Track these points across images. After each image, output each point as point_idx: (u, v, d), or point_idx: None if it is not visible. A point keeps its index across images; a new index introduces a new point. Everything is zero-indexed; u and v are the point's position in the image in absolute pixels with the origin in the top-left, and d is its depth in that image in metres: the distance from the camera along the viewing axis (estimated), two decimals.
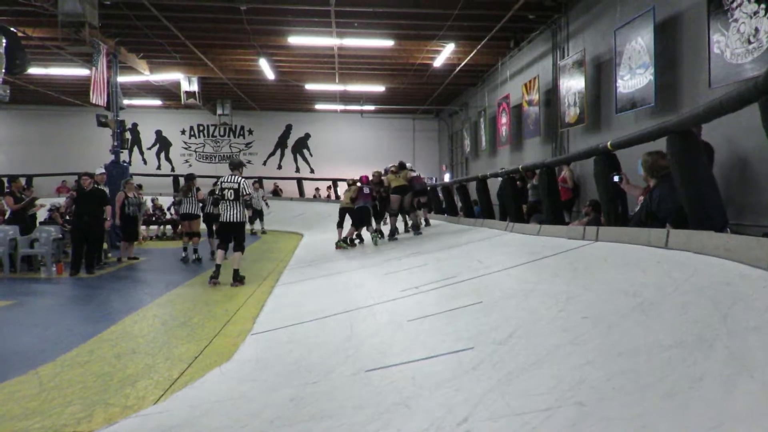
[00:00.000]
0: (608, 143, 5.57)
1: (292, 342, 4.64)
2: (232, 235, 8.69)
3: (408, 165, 12.10)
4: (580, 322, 3.00)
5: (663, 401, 1.94)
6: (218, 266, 8.65)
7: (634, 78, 8.80)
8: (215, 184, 9.66)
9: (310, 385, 3.37)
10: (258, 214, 17.65)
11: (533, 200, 10.08)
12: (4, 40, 10.37)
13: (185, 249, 11.69)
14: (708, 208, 4.19)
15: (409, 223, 12.00)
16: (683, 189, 4.32)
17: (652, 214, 4.79)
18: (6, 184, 11.62)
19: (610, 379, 2.20)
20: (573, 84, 11.12)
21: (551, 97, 12.80)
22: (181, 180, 22.93)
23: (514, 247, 6.33)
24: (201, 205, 11.73)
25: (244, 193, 8.53)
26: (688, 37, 7.95)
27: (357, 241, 11.91)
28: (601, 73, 10.52)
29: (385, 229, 12.12)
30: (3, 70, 10.42)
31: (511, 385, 2.46)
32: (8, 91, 10.80)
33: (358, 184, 11.70)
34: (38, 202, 11.59)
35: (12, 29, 11.37)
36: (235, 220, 8.55)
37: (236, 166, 8.81)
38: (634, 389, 2.08)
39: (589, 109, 10.65)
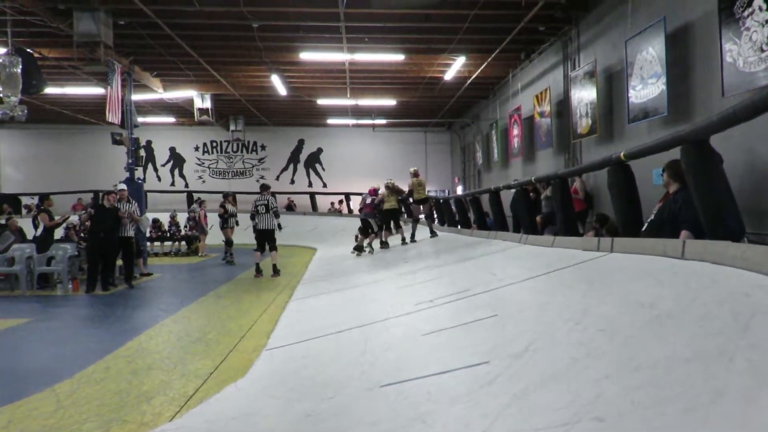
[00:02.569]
0: (621, 153, 5.54)
1: (306, 357, 4.63)
2: (266, 240, 11.51)
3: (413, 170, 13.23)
4: (597, 335, 2.97)
5: (683, 416, 1.91)
6: (257, 264, 11.57)
7: (646, 88, 8.77)
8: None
9: (326, 400, 3.36)
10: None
11: (547, 212, 10.04)
12: (20, 62, 10.55)
13: (226, 253, 14.43)
14: (725, 217, 4.14)
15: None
16: (699, 198, 4.28)
17: (673, 219, 4.74)
18: (37, 202, 11.82)
19: (629, 394, 2.17)
20: (584, 95, 11.10)
21: (563, 108, 12.78)
22: (195, 196, 23.24)
23: (529, 260, 6.29)
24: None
25: (272, 206, 11.46)
26: (700, 46, 7.92)
27: (367, 250, 12.92)
28: (613, 84, 10.50)
29: (393, 240, 12.96)
30: (20, 91, 10.60)
31: (528, 400, 2.44)
32: (25, 111, 10.98)
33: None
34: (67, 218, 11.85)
35: (28, 50, 11.58)
36: (267, 227, 11.51)
37: (265, 188, 11.90)
38: (654, 403, 2.05)
39: (601, 119, 10.62)
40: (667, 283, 3.37)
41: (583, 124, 11.25)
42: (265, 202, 11.48)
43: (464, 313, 4.61)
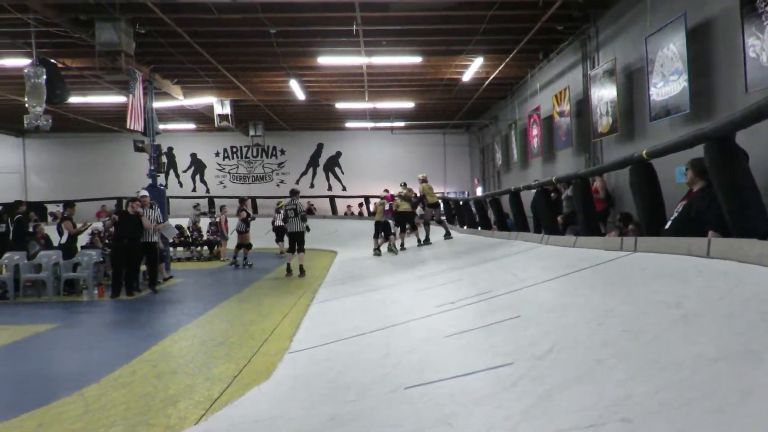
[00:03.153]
0: (644, 152, 5.48)
1: (329, 360, 4.65)
2: (296, 241, 12.31)
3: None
4: (621, 335, 2.94)
5: (711, 416, 1.89)
6: (288, 264, 12.42)
7: (668, 85, 8.67)
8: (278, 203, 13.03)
9: (349, 403, 3.37)
10: (280, 233, 17.81)
11: (568, 212, 9.96)
12: (45, 72, 10.74)
13: (235, 257, 14.68)
14: (750, 215, 4.08)
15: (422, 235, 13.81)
16: (723, 196, 4.22)
17: (698, 217, 4.67)
18: (59, 210, 12.03)
19: (656, 394, 2.15)
20: (604, 93, 11.00)
21: (582, 107, 12.68)
22: (216, 201, 23.47)
23: (550, 260, 6.25)
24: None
25: (301, 210, 12.34)
26: (722, 42, 7.81)
27: (384, 250, 13.70)
28: (633, 82, 10.39)
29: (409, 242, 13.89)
30: (44, 101, 10.79)
31: (553, 402, 2.42)
32: (50, 120, 11.16)
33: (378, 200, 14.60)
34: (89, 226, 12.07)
35: (52, 61, 11.78)
36: (297, 230, 12.34)
37: (295, 193, 12.80)
38: (681, 404, 2.03)
39: (621, 118, 10.52)
40: (693, 283, 3.33)
41: (603, 123, 11.15)
42: (294, 206, 12.35)
43: (486, 314, 4.59)
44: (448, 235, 13.55)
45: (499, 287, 5.51)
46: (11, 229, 10.63)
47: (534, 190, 9.80)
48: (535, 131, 15.82)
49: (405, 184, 14.23)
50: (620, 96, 10.50)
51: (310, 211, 24.39)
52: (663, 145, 5.37)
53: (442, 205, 16.18)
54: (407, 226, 13.81)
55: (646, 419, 2.02)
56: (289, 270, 12.32)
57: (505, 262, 7.34)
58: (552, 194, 10.39)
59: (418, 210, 14.13)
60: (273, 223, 18.22)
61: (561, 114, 13.68)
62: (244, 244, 14.94)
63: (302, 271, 12.21)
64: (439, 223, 14.18)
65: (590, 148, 12.31)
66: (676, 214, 5.14)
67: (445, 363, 3.66)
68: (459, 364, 3.49)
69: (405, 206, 13.55)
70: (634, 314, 3.21)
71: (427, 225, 13.92)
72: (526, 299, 4.71)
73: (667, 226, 5.20)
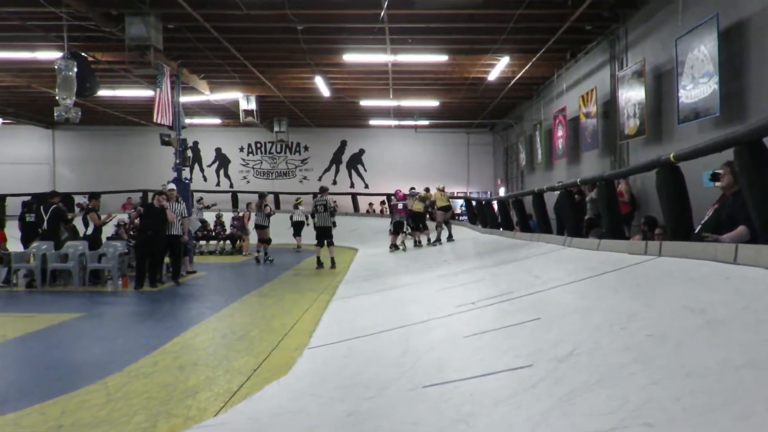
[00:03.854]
0: (671, 155, 5.40)
1: (348, 357, 4.66)
2: (324, 236, 12.90)
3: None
4: (645, 340, 2.90)
5: (736, 423, 1.86)
6: (318, 257, 12.94)
7: (698, 87, 8.52)
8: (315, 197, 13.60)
9: (368, 400, 3.38)
10: (298, 228, 18.12)
11: (592, 214, 9.85)
12: (75, 65, 10.91)
13: (258, 251, 14.84)
14: None
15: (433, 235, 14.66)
16: (753, 201, 4.14)
17: (730, 221, 4.59)
18: (86, 201, 12.20)
19: (679, 400, 2.11)
20: (632, 95, 10.85)
21: (609, 108, 12.53)
22: (239, 196, 23.67)
23: (573, 262, 6.19)
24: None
25: (329, 206, 12.94)
26: (755, 44, 7.66)
27: (401, 248, 14.41)
28: (662, 84, 10.24)
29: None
30: (74, 93, 10.96)
31: (574, 404, 2.40)
32: (79, 113, 11.34)
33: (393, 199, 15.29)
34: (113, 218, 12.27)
35: (83, 54, 11.96)
36: (325, 224, 12.95)
37: (324, 190, 13.53)
38: (705, 410, 1.99)
39: (649, 120, 10.37)
40: (719, 288, 3.27)
41: (630, 124, 11.01)
42: (324, 202, 12.96)
43: (507, 315, 4.57)
44: (450, 238, 14.36)
45: (521, 288, 5.47)
46: (45, 218, 10.79)
47: (557, 192, 9.71)
48: (560, 132, 15.68)
49: (428, 189, 15.36)
50: (648, 98, 10.36)
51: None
52: (692, 148, 5.28)
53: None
54: (420, 225, 14.77)
55: (670, 425, 1.99)
56: (319, 263, 12.83)
57: (527, 264, 7.28)
58: (576, 196, 10.30)
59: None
60: (291, 218, 18.59)
61: (587, 115, 13.54)
62: (264, 240, 15.03)
63: (333, 263, 12.81)
64: (445, 224, 14.69)
65: (616, 150, 12.17)
66: (706, 218, 5.06)
67: (464, 363, 3.64)
68: (478, 365, 3.48)
69: (418, 207, 14.56)
70: (658, 319, 3.17)
71: (439, 226, 14.64)
72: (548, 301, 4.67)
73: (696, 230, 5.11)
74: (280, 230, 17.97)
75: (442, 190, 15.12)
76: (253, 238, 17.17)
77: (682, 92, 8.93)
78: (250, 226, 17.00)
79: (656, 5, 10.39)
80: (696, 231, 5.10)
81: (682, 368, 2.39)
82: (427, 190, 15.33)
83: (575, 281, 5.05)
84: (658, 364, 2.54)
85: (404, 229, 14.77)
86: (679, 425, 1.97)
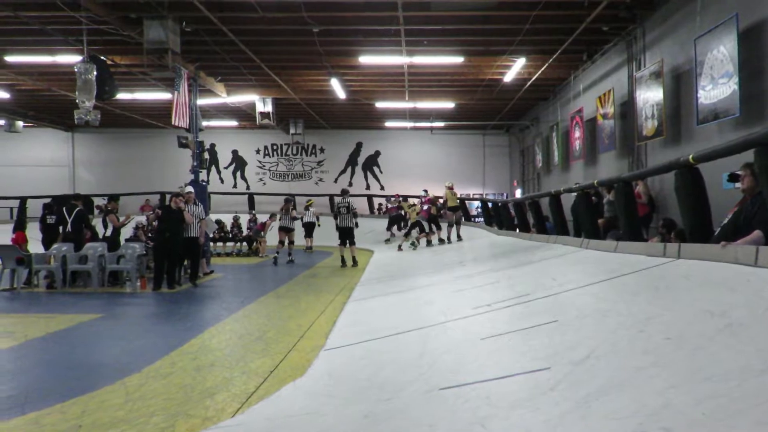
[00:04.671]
0: (690, 156, 5.34)
1: (364, 358, 4.67)
2: (346, 236, 13.62)
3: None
4: (663, 343, 2.88)
5: (757, 429, 1.83)
6: (342, 256, 13.76)
7: (717, 88, 8.43)
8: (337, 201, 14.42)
9: (384, 402, 3.38)
10: (309, 229, 18.35)
11: (609, 216, 9.78)
12: (95, 69, 11.06)
13: (278, 252, 14.99)
14: None
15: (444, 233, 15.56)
16: None
17: (748, 223, 4.53)
18: (105, 203, 12.33)
19: (698, 405, 2.09)
20: (650, 96, 10.76)
21: (627, 109, 12.44)
22: (256, 198, 23.81)
23: (590, 265, 6.15)
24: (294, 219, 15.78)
25: (352, 208, 13.69)
26: None
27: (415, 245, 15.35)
28: (681, 84, 10.14)
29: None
30: (94, 96, 11.10)
31: (592, 408, 2.38)
32: (98, 116, 11.48)
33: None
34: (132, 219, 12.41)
35: (102, 58, 12.12)
36: (347, 225, 13.63)
37: (346, 192, 14.38)
38: (725, 416, 1.97)
39: (668, 121, 10.28)
40: (739, 291, 3.23)
41: (648, 126, 10.91)
42: (347, 204, 13.70)
43: (523, 318, 4.55)
44: (459, 238, 15.37)
45: (537, 291, 5.45)
46: (68, 220, 10.91)
47: (574, 193, 9.65)
48: (577, 133, 15.58)
49: (426, 191, 16.71)
50: (667, 99, 10.27)
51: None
52: (711, 150, 5.23)
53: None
54: (431, 225, 15.55)
55: (689, 429, 1.97)
56: (343, 261, 13.66)
57: (544, 266, 7.25)
58: (593, 198, 10.22)
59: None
60: (302, 219, 18.58)
61: (604, 116, 13.45)
62: (289, 241, 15.43)
63: (355, 262, 13.53)
64: (456, 223, 15.61)
65: (634, 151, 12.07)
66: (726, 221, 5.00)
67: (481, 365, 3.64)
68: (495, 367, 3.47)
69: (433, 209, 15.55)
70: (677, 322, 3.14)
71: (450, 226, 15.51)
72: (565, 303, 4.64)
73: (716, 233, 5.05)
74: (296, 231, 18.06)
75: (451, 188, 15.78)
76: (272, 239, 17.38)
77: (701, 93, 8.85)
78: (270, 228, 17.47)
79: (674, 6, 10.29)
80: (716, 234, 5.05)
81: (702, 372, 2.37)
82: (426, 192, 16.40)
83: (592, 283, 5.01)
84: (676, 368, 2.52)
85: (425, 230, 15.47)
86: (697, 430, 1.95)
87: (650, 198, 10.70)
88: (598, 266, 5.77)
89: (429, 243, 15.29)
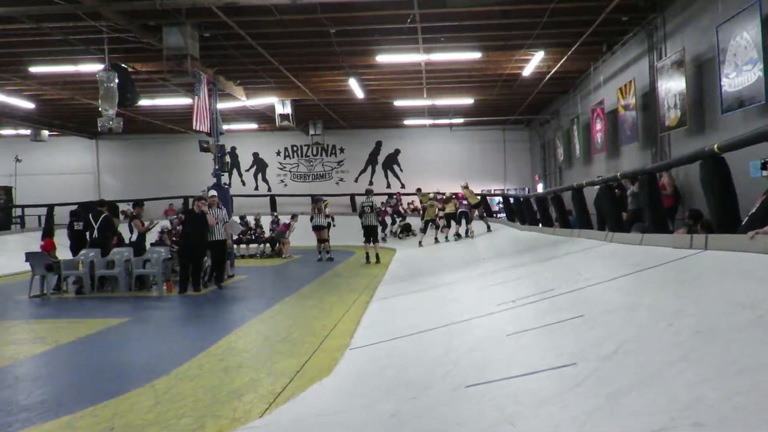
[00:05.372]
0: (715, 146, 5.26)
1: (389, 357, 4.68)
2: (371, 234, 14.29)
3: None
4: (693, 337, 2.83)
5: None
6: (367, 253, 14.35)
7: (741, 75, 8.27)
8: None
9: (410, 400, 3.38)
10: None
11: (633, 208, 9.66)
12: (116, 77, 11.21)
13: (320, 251, 15.98)
14: None
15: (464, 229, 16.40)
16: None
17: None
18: (131, 209, 12.52)
19: (730, 399, 2.06)
20: (672, 85, 10.60)
21: (649, 100, 12.26)
22: (278, 199, 23.96)
23: (615, 258, 6.09)
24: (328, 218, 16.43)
25: (376, 207, 14.66)
26: None
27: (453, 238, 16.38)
28: (703, 73, 9.97)
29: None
30: (116, 104, 11.26)
31: (621, 403, 2.36)
32: (121, 123, 11.63)
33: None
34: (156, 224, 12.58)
35: (123, 65, 12.28)
36: (371, 224, 14.35)
37: (370, 192, 15.49)
38: (759, 410, 1.94)
39: (691, 110, 10.11)
40: None
41: (671, 116, 10.75)
42: (370, 203, 14.49)
43: (548, 313, 4.52)
44: (471, 234, 16.17)
45: (562, 286, 5.40)
46: (95, 226, 11.08)
47: (597, 187, 9.55)
48: (598, 126, 15.41)
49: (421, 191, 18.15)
50: (689, 88, 10.10)
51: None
52: (737, 138, 5.14)
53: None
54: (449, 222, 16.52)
55: (721, 424, 1.94)
56: (368, 258, 14.19)
57: (568, 260, 7.19)
58: (616, 190, 10.10)
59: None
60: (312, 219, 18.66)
61: (626, 107, 13.28)
62: (322, 240, 16.01)
63: (378, 259, 14.10)
64: (481, 218, 16.72)
65: (657, 142, 11.90)
66: (754, 210, 4.91)
67: (507, 362, 3.62)
68: (521, 364, 3.45)
69: (450, 208, 16.43)
70: (706, 315, 3.09)
71: (469, 222, 16.37)
72: (590, 298, 4.60)
73: (743, 223, 4.97)
74: (301, 233, 18.32)
75: (466, 187, 16.61)
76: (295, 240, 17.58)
77: (724, 81, 8.69)
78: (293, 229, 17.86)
79: None
80: (743, 223, 4.96)
81: (733, 366, 2.33)
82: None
83: (618, 277, 4.96)
84: (707, 362, 2.48)
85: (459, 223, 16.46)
86: (730, 425, 1.92)
87: (675, 189, 10.54)
88: (624, 260, 5.70)
89: (446, 239, 16.26)
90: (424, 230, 17.63)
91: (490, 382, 3.23)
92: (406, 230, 20.64)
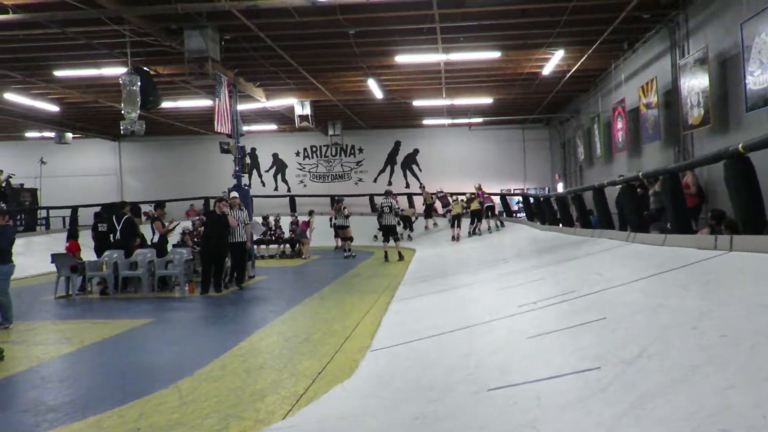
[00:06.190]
0: (740, 145, 5.18)
1: (410, 359, 4.68)
2: (390, 233, 14.85)
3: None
4: (718, 340, 2.80)
5: None
6: (386, 252, 14.82)
7: (766, 73, 8.14)
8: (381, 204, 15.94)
9: (432, 403, 3.39)
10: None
11: (655, 207, 9.55)
12: (139, 80, 11.35)
13: (344, 249, 16.80)
14: None
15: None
16: None
17: None
18: (152, 210, 12.66)
19: (759, 406, 2.03)
20: (695, 83, 10.46)
21: (671, 98, 12.11)
22: (297, 200, 24.08)
23: (637, 259, 6.02)
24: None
25: (395, 207, 15.29)
26: None
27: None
28: (727, 70, 9.83)
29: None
30: (139, 107, 11.40)
31: (646, 409, 2.34)
32: (143, 126, 11.77)
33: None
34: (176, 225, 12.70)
35: (145, 69, 12.43)
36: (390, 223, 14.90)
37: (389, 193, 15.94)
38: None
39: (714, 109, 9.97)
40: None
41: (694, 114, 10.61)
42: (390, 204, 15.03)
43: (570, 315, 4.49)
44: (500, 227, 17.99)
45: (583, 287, 5.37)
46: (117, 228, 11.22)
47: (618, 186, 9.46)
48: (619, 124, 15.26)
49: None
50: (713, 85, 9.97)
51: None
52: (762, 138, 5.06)
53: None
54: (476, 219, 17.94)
55: None
56: (386, 257, 14.64)
57: (589, 261, 7.13)
58: (638, 190, 9.99)
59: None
60: (331, 220, 19.21)
61: (648, 106, 13.14)
62: (346, 238, 16.79)
63: (401, 256, 14.63)
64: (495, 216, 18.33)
65: (680, 141, 11.76)
66: None
67: (529, 365, 3.61)
68: (543, 367, 3.44)
69: (475, 206, 17.57)
70: (732, 318, 3.06)
71: (479, 221, 17.88)
72: (613, 300, 4.56)
73: None
74: (319, 233, 18.68)
75: (479, 189, 18.03)
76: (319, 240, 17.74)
77: (749, 78, 8.56)
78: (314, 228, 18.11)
79: None
80: None
81: (761, 372, 2.30)
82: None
83: (641, 278, 4.91)
84: (734, 367, 2.45)
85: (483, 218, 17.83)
86: None
87: (699, 188, 10.40)
88: (646, 260, 5.64)
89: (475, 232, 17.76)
90: (452, 225, 18.12)
91: (513, 385, 3.22)
92: (407, 221, 20.98)
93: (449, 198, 20.06)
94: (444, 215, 20.42)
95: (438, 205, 21.40)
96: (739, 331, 2.82)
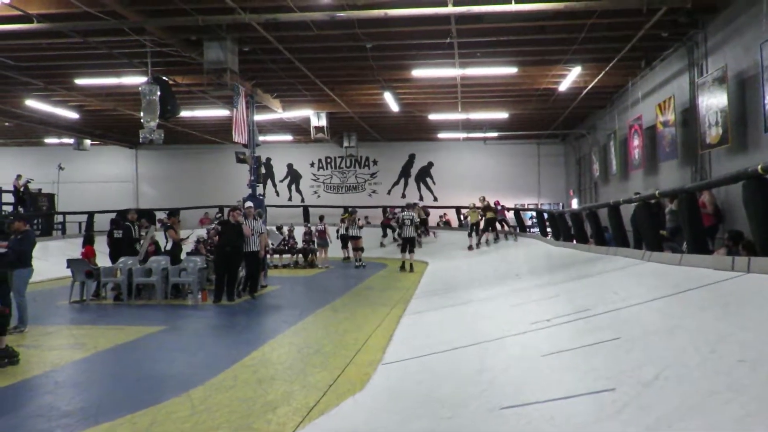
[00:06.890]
0: (759, 166, 5.13)
1: (422, 373, 4.66)
2: (409, 244, 15.36)
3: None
4: (737, 365, 2.77)
5: None
6: (403, 262, 15.22)
7: None
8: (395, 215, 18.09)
9: (445, 419, 3.37)
10: (344, 241, 18.82)
11: (671, 226, 9.47)
12: (158, 89, 11.49)
13: (356, 260, 17.20)
14: None
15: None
16: None
17: None
18: (166, 218, 12.79)
19: None
20: (714, 102, 10.40)
21: (689, 117, 12.05)
22: (311, 210, 24.16)
23: (653, 278, 5.97)
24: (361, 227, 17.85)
25: (415, 221, 15.88)
26: None
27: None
28: (746, 90, 9.77)
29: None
30: (157, 116, 11.53)
31: None
32: (162, 134, 11.91)
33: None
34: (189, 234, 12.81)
35: (164, 78, 12.59)
36: (410, 235, 15.51)
37: (410, 206, 17.24)
38: None
39: (733, 128, 9.91)
40: None
41: (712, 133, 10.55)
42: (410, 216, 15.62)
43: (585, 334, 4.45)
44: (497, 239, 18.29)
45: (598, 305, 5.32)
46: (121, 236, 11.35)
47: (633, 204, 9.38)
48: (636, 141, 15.20)
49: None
50: (731, 105, 9.91)
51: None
52: None
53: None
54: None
55: None
56: (403, 267, 15.17)
57: (604, 279, 7.07)
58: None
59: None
60: (338, 231, 19.53)
61: (665, 124, 13.08)
62: (358, 248, 17.07)
63: (412, 268, 14.96)
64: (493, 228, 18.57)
65: (697, 160, 11.68)
66: None
67: (543, 384, 3.58)
68: (557, 386, 3.41)
69: (491, 215, 17.84)
70: (751, 342, 3.02)
71: (484, 232, 18.15)
72: (628, 319, 4.52)
73: None
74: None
75: (483, 201, 18.17)
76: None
77: None
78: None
79: (737, 10, 9.95)
80: None
81: None
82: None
83: (657, 298, 4.86)
84: (753, 393, 2.42)
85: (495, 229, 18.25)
86: None
87: (716, 207, 10.31)
88: (662, 280, 5.59)
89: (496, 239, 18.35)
90: (470, 234, 18.46)
91: (526, 404, 3.19)
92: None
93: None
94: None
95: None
96: (757, 356, 2.78)
